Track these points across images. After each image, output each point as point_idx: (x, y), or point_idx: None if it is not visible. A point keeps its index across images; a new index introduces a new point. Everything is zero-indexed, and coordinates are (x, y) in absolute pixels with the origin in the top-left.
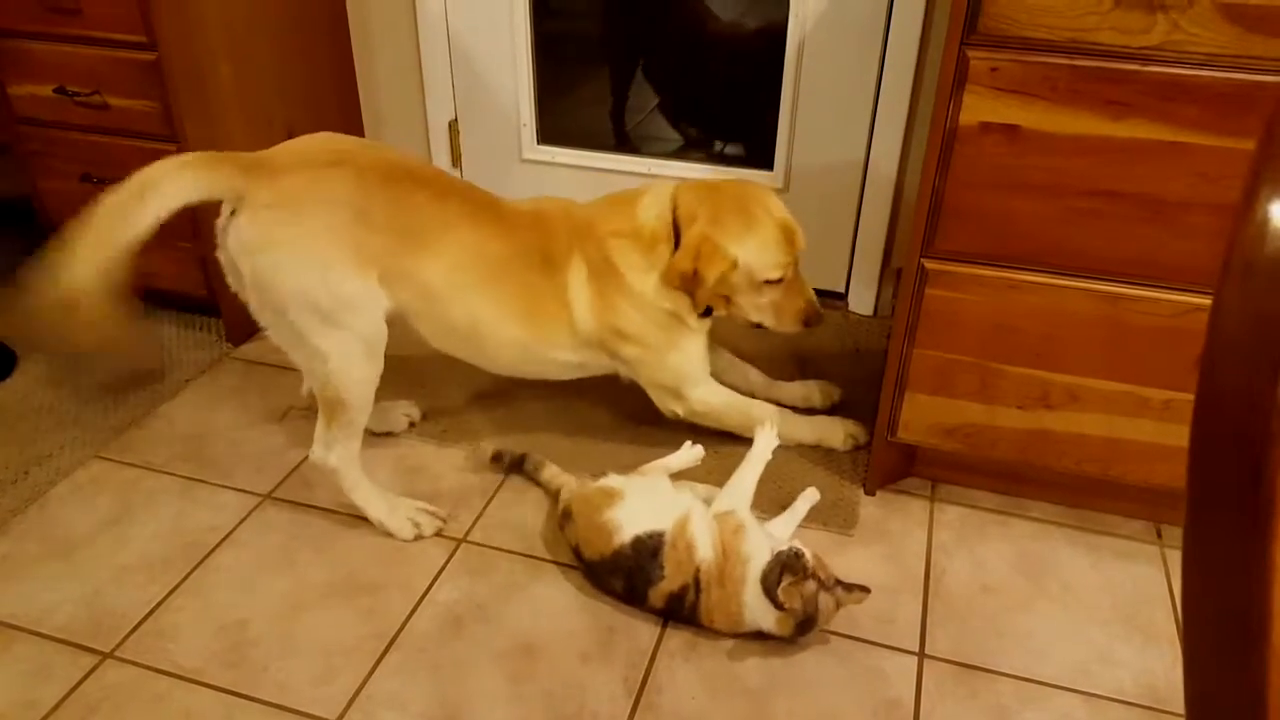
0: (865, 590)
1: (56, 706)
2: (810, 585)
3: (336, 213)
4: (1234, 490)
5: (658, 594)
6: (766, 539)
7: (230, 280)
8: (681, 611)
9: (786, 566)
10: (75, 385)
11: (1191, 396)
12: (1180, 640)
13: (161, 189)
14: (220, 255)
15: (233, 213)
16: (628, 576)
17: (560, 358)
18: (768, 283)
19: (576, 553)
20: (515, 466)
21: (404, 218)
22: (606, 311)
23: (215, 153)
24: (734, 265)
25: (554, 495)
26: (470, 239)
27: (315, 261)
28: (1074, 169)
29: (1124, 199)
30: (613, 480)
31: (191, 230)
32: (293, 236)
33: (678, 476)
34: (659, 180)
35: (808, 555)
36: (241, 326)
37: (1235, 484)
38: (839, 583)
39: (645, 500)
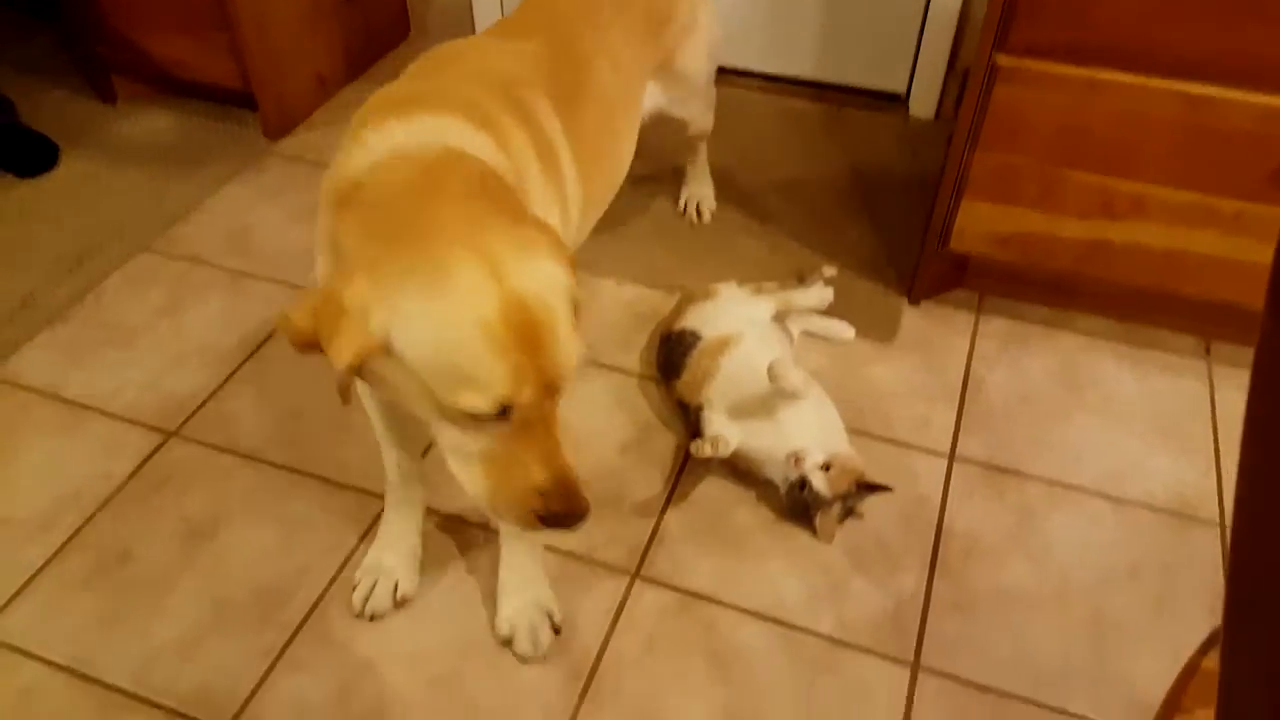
0: (888, 489)
1: (130, 477)
2: (835, 510)
3: None
4: None
5: (676, 390)
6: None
7: None
8: (687, 424)
9: (810, 505)
10: (116, 179)
11: (1266, 208)
12: (1222, 452)
13: None
14: None
15: None
16: (666, 358)
17: None
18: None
19: None
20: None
21: None
22: None
23: None
24: (382, 349)
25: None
26: None
27: None
28: None
29: None
30: (726, 285)
31: (222, 17)
32: None
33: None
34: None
35: (817, 484)
36: (280, 120)
37: None
38: (860, 485)
39: (726, 308)
